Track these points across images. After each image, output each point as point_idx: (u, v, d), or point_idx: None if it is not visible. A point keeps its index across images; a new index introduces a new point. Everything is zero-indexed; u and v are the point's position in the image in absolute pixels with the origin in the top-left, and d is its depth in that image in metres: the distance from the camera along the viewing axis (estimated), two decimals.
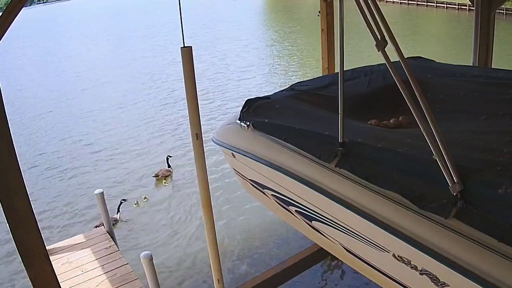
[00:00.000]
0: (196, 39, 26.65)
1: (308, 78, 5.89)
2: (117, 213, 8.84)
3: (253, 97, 4.59)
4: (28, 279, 3.28)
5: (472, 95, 4.03)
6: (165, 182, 10.62)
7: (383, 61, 2.59)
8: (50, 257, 3.44)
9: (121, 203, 8.97)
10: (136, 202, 9.54)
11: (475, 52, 6.39)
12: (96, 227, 8.00)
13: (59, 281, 3.50)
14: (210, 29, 33.88)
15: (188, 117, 3.98)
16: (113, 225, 8.37)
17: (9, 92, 19.13)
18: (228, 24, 36.65)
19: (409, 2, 39.64)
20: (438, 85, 4.27)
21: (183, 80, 3.79)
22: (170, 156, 11.16)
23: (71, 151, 12.97)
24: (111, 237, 6.60)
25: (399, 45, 2.47)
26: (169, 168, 10.97)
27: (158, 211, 9.38)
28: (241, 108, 4.46)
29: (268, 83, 18.22)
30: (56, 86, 21.58)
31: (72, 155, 12.76)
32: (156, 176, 10.78)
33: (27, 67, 27.88)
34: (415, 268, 2.71)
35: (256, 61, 22.83)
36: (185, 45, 3.64)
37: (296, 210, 3.87)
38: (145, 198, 9.83)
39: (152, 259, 5.11)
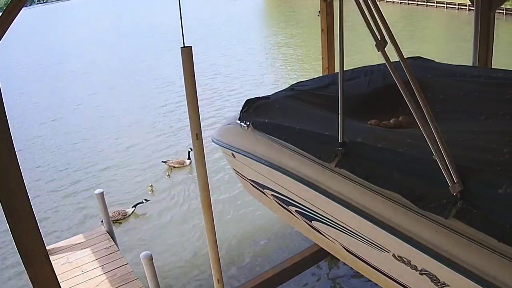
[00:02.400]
0: (200, 40, 26.57)
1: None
2: (132, 208, 8.86)
3: (252, 97, 4.60)
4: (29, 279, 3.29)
5: (472, 95, 4.03)
6: (168, 175, 10.60)
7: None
8: (50, 257, 3.44)
9: (141, 202, 8.96)
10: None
11: (475, 52, 6.39)
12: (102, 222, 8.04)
13: (59, 281, 3.50)
14: (215, 30, 33.88)
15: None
16: (123, 218, 8.65)
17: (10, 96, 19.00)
18: (231, 26, 36.63)
19: (409, 2, 39.60)
20: (438, 85, 4.27)
21: (183, 80, 3.79)
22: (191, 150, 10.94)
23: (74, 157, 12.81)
24: (111, 237, 6.61)
25: (399, 45, 2.47)
26: (187, 160, 10.71)
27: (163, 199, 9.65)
28: (241, 108, 4.46)
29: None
30: (59, 88, 21.34)
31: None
32: (165, 162, 10.75)
33: (28, 68, 27.73)
34: (415, 268, 2.72)
35: (263, 62, 22.81)
36: (185, 45, 3.64)
37: (296, 210, 3.87)
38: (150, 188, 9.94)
39: (152, 259, 5.11)
